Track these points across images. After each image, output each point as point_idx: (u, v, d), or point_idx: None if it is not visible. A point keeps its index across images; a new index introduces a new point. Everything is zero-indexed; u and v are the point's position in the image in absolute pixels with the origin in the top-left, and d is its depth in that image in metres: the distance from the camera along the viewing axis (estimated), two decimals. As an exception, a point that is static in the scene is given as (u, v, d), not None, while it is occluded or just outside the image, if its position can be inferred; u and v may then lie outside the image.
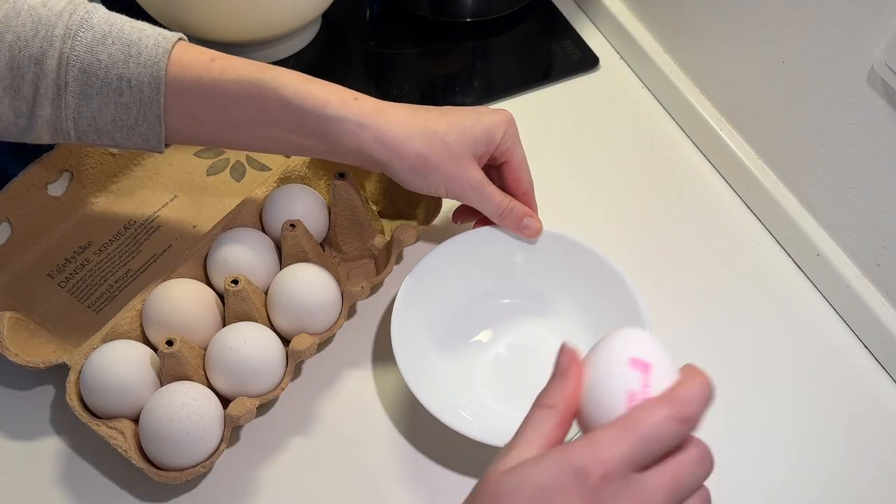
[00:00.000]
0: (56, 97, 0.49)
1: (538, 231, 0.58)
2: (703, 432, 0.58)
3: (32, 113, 0.49)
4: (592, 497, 0.33)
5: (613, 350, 0.37)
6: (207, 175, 0.68)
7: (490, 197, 0.56)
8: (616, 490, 0.33)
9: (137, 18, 0.71)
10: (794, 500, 0.55)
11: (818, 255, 0.63)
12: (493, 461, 0.36)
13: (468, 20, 0.81)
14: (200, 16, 0.69)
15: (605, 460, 0.33)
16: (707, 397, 0.35)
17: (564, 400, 0.36)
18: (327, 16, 0.79)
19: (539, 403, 0.37)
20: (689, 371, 0.36)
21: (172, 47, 0.50)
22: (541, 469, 0.34)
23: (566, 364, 0.37)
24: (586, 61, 0.79)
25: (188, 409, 0.50)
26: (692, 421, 0.34)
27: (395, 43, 0.81)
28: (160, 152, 0.53)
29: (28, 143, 0.68)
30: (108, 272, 0.62)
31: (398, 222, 0.64)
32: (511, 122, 0.56)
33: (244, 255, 0.57)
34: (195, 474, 0.51)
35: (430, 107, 0.54)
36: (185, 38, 0.52)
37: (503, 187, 0.58)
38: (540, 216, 0.59)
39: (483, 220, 0.60)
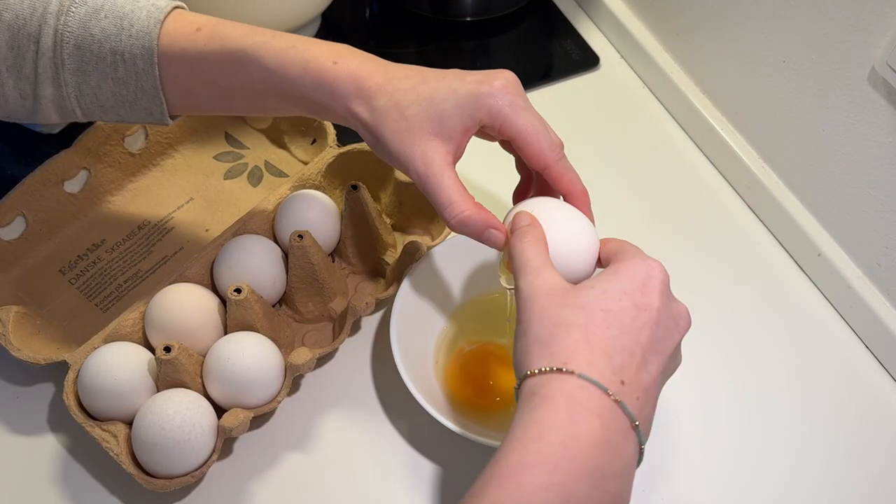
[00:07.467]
0: (55, 76, 0.47)
1: (499, 245, 0.48)
2: (702, 431, 0.58)
3: (36, 93, 0.48)
4: (664, 292, 0.45)
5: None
6: (225, 179, 0.68)
7: (438, 189, 0.47)
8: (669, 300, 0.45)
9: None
10: (794, 501, 0.55)
11: (819, 254, 0.63)
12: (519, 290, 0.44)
13: (468, 19, 0.80)
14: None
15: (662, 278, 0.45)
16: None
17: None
18: (327, 15, 0.78)
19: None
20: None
21: (165, 17, 0.48)
22: (616, 281, 0.44)
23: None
24: (587, 60, 0.79)
25: (180, 418, 0.50)
26: None
27: (395, 42, 0.80)
28: (166, 125, 0.51)
29: (28, 144, 0.68)
30: (118, 271, 0.62)
31: (412, 236, 0.63)
32: (506, 88, 0.48)
33: (250, 263, 0.57)
34: (184, 483, 0.50)
35: (429, 70, 0.49)
36: (184, 5, 0.50)
37: (528, 169, 0.52)
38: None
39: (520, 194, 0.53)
